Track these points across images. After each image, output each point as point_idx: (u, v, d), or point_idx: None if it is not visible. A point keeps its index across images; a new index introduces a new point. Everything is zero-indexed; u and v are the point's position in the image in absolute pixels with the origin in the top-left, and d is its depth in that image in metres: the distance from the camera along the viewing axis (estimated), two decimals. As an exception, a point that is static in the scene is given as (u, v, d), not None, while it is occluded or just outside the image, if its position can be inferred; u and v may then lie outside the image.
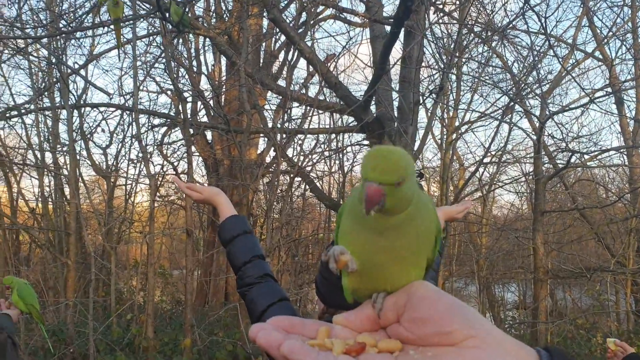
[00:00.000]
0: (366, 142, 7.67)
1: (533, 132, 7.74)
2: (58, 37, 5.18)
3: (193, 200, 2.16)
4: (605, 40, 7.56)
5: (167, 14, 4.21)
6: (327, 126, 10.32)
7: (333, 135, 8.71)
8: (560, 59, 6.66)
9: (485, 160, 8.32)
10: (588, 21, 8.02)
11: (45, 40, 5.82)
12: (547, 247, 8.07)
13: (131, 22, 5.25)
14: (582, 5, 7.10)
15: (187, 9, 4.39)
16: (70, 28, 4.99)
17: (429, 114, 7.41)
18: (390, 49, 5.69)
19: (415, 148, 7.34)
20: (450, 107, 8.55)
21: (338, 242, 0.74)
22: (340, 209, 0.76)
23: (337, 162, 9.19)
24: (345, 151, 8.90)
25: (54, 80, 7.10)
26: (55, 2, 7.26)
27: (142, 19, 5.87)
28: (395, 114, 6.99)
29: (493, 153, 8.88)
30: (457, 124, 8.69)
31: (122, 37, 6.73)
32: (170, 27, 4.62)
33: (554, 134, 8.15)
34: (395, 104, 7.13)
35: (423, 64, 7.42)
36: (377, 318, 0.68)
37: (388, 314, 0.67)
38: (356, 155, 9.73)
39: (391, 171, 0.62)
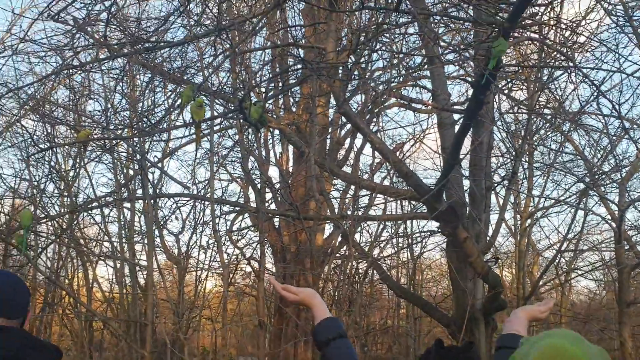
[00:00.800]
0: (439, 230, 7.60)
1: (611, 218, 7.51)
2: (142, 137, 5.54)
3: (289, 301, 2.20)
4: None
5: (247, 114, 4.43)
6: (394, 212, 10.34)
7: (402, 222, 8.70)
8: (637, 144, 6.52)
9: (562, 248, 8.08)
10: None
11: (132, 140, 6.21)
12: (636, 341, 7.60)
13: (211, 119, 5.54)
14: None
15: (265, 109, 4.60)
16: (153, 127, 5.32)
17: (502, 200, 7.32)
18: (463, 140, 5.72)
19: (489, 235, 7.23)
20: (523, 194, 8.45)
21: None
22: None
23: (407, 249, 9.11)
24: (414, 238, 8.83)
25: (134, 173, 7.49)
26: (138, 100, 7.77)
27: (224, 120, 6.17)
28: (467, 200, 6.95)
29: (569, 240, 8.62)
30: (530, 209, 8.55)
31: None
32: (249, 125, 4.83)
33: (636, 223, 7.87)
34: (467, 189, 7.10)
35: (493, 151, 7.43)
36: None
37: None
38: (425, 241, 9.64)
39: None
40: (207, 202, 7.86)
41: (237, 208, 9.20)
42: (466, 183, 7.09)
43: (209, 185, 7.39)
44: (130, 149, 7.47)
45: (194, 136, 7.52)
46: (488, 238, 7.10)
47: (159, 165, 7.45)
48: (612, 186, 7.41)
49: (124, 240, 8.79)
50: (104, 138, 5.42)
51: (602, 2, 5.89)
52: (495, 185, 7.11)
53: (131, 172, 7.75)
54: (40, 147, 7.31)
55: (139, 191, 7.64)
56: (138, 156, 6.54)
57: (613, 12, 6.08)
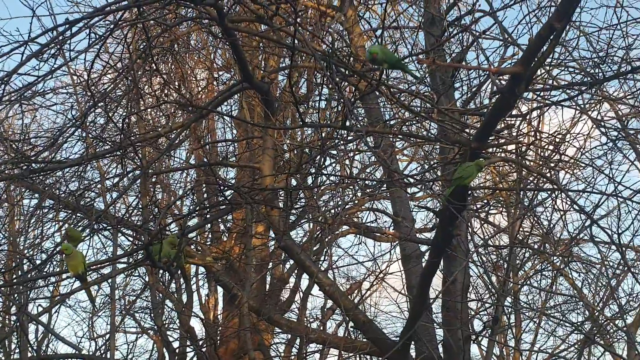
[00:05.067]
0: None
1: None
2: (20, 286, 5.34)
3: None
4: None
5: (155, 259, 4.32)
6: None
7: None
8: (642, 282, 6.67)
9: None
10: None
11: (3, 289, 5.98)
12: None
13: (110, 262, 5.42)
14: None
15: (182, 250, 4.52)
16: (33, 275, 5.16)
17: (485, 354, 7.26)
18: (430, 280, 5.75)
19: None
20: (509, 346, 8.44)
21: None
22: None
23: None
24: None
25: (10, 330, 7.16)
26: (21, 233, 7.57)
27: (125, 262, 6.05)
28: (442, 354, 6.87)
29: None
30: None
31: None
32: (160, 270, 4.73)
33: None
34: (440, 340, 7.04)
35: (470, 292, 7.46)
36: None
37: None
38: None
39: None
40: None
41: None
42: (439, 333, 7.04)
43: (109, 342, 7.10)
44: (5, 300, 7.19)
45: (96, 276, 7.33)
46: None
47: (42, 319, 7.14)
48: (619, 334, 7.48)
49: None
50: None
51: (589, 112, 6.23)
52: (475, 335, 7.07)
53: (7, 328, 7.41)
54: None
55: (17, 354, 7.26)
56: (14, 309, 6.26)
57: (602, 124, 6.38)
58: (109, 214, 6.32)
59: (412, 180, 6.06)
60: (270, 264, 10.17)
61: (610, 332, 7.52)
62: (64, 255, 4.15)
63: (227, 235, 10.27)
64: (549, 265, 7.99)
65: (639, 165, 7.00)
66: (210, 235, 10.47)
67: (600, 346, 7.26)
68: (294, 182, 7.60)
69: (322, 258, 9.31)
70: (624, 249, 6.53)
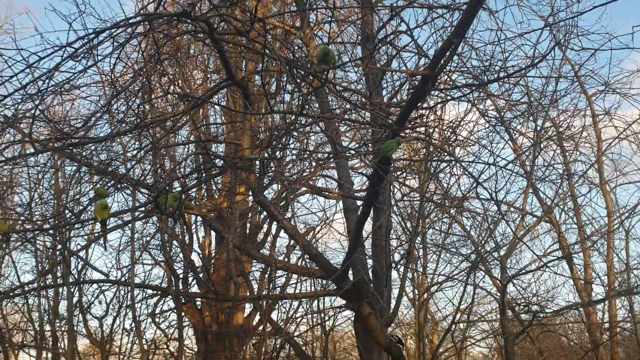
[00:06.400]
0: (346, 308, 7.50)
1: (497, 292, 7.73)
2: (62, 228, 5.22)
3: None
4: (550, 209, 7.86)
5: (162, 208, 4.26)
6: (309, 290, 10.17)
7: (315, 299, 8.55)
8: (512, 228, 6.84)
9: (456, 319, 8.18)
10: (534, 191, 8.37)
11: (51, 231, 5.84)
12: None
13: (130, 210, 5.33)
14: (527, 181, 7.46)
15: (182, 202, 4.46)
16: (73, 219, 5.05)
17: (401, 277, 7.37)
18: (363, 226, 5.78)
19: (391, 309, 7.20)
20: (419, 271, 8.59)
21: None
22: None
23: (320, 323, 8.92)
24: (327, 313, 8.68)
25: (57, 261, 7.03)
26: (63, 191, 7.39)
27: (140, 212, 5.95)
28: (371, 277, 6.94)
29: (462, 311, 8.77)
30: (426, 284, 8.68)
31: (121, 219, 6.80)
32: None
33: (516, 296, 8.13)
34: (369, 267, 7.11)
35: (392, 233, 7.55)
36: None
37: None
38: (337, 316, 9.49)
39: None
40: (131, 288, 7.44)
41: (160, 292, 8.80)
42: (370, 263, 7.12)
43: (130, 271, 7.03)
44: (52, 239, 7.04)
45: (119, 222, 7.21)
46: (391, 312, 7.07)
47: (81, 254, 7.03)
48: (495, 262, 7.67)
49: (45, 325, 8.09)
50: (25, 230, 5.06)
51: (477, 105, 6.32)
52: (395, 264, 7.18)
53: (54, 260, 7.28)
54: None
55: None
56: (59, 246, 6.15)
57: (486, 114, 6.50)
58: (128, 177, 6.22)
59: (352, 152, 6.08)
60: (250, 214, 10.14)
61: (489, 261, 7.72)
62: (97, 203, 4.06)
63: (217, 193, 10.19)
64: (446, 215, 8.13)
65: (511, 144, 7.15)
66: (205, 194, 10.38)
67: (482, 270, 7.45)
68: (266, 155, 7.55)
69: (287, 210, 9.31)
70: (499, 203, 6.69)
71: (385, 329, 6.50)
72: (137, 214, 5.94)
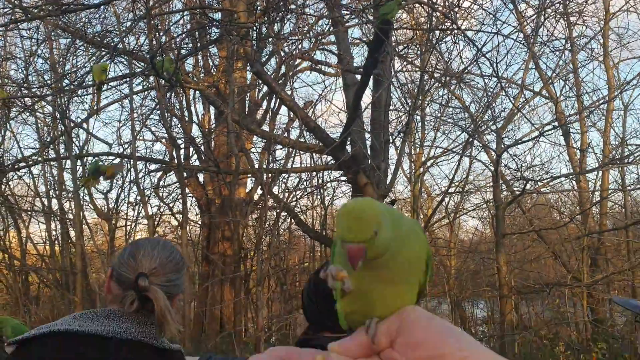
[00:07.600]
0: (344, 179, 7.70)
1: (491, 164, 7.86)
2: (62, 95, 5.19)
3: None
4: (550, 80, 7.77)
5: (160, 71, 4.24)
6: (308, 165, 10.39)
7: (314, 173, 8.75)
8: (511, 99, 6.79)
9: (450, 191, 8.41)
10: (534, 64, 8.22)
11: (50, 98, 5.81)
12: (510, 266, 8.10)
13: (128, 79, 5.29)
14: (528, 51, 7.31)
15: (178, 66, 4.43)
16: (72, 87, 5.02)
17: (399, 151, 7.49)
18: (361, 96, 5.78)
19: (388, 182, 7.39)
20: (416, 145, 8.68)
21: (334, 263, 0.71)
22: (335, 236, 0.74)
23: (319, 197, 9.20)
24: (325, 187, 8.92)
25: (59, 133, 7.08)
26: (59, 63, 7.29)
27: (137, 77, 5.89)
28: (369, 152, 7.06)
29: (457, 184, 8.99)
30: (423, 159, 8.82)
31: (119, 92, 6.78)
32: (164, 82, 4.65)
33: (509, 165, 8.26)
34: (368, 143, 7.20)
35: (391, 108, 7.54)
36: (371, 344, 0.63)
37: (382, 339, 0.62)
38: (335, 190, 9.77)
39: (365, 229, 0.60)
40: (133, 161, 7.58)
41: (162, 166, 8.95)
42: (368, 136, 7.20)
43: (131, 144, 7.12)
44: (52, 109, 7.05)
45: (119, 95, 7.19)
46: (387, 185, 7.27)
47: (83, 125, 7.06)
48: (492, 136, 7.73)
49: (52, 196, 8.37)
50: (22, 96, 5.06)
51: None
52: (393, 137, 7.26)
53: (56, 132, 7.33)
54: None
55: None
56: (58, 115, 6.16)
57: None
58: (124, 48, 6.10)
59: (351, 9, 5.90)
60: (248, 89, 10.08)
61: (485, 133, 7.76)
62: (96, 65, 4.04)
63: (215, 69, 10.05)
64: (446, 90, 8.05)
65: (515, 14, 6.92)
66: (203, 69, 10.24)
67: (478, 142, 7.51)
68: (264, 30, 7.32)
69: (286, 86, 9.23)
70: (500, 78, 6.61)
71: (381, 199, 6.72)
72: (135, 84, 5.89)
